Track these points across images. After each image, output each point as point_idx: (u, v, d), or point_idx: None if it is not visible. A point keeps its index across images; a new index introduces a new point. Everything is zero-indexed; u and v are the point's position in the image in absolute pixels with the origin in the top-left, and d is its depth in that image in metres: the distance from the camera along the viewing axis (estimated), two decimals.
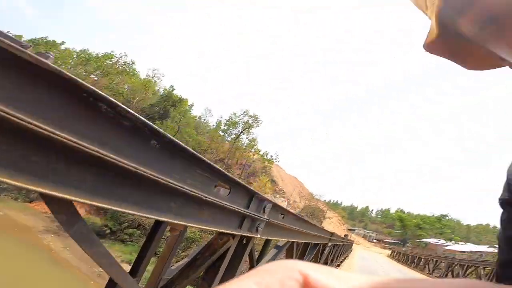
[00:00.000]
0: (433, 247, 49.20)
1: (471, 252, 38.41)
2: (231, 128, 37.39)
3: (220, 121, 38.54)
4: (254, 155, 37.61)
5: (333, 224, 50.36)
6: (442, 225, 65.77)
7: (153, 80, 39.46)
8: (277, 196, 33.69)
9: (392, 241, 66.68)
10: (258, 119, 36.80)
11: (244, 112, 37.57)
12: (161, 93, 37.40)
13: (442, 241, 53.90)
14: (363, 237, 70.11)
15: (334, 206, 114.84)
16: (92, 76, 35.25)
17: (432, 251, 42.22)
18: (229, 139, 37.36)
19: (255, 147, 37.77)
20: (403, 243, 60.76)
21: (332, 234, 6.48)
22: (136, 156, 0.70)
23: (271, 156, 37.52)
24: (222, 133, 37.66)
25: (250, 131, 37.06)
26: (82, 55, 38.35)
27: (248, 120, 36.88)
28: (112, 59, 38.85)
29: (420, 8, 0.36)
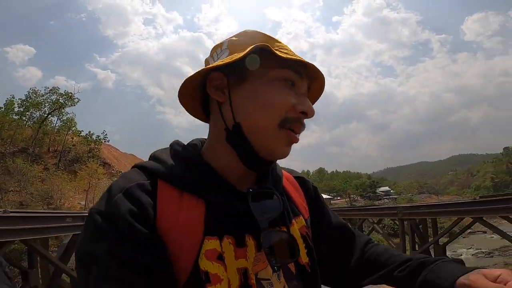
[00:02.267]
0: None
1: None
2: (31, 110, 28.44)
3: (12, 101, 28.28)
4: (73, 138, 30.74)
5: None
6: None
7: None
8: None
9: None
10: (73, 97, 29.75)
11: (51, 90, 29.36)
12: None
13: None
14: None
15: None
16: None
17: None
18: (30, 123, 28.47)
19: (73, 128, 30.82)
20: None
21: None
22: None
23: (98, 136, 31.91)
24: (17, 117, 28.06)
25: (63, 111, 29.67)
26: None
27: (58, 99, 29.21)
28: None
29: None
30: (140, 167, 0.52)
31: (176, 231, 0.45)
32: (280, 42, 0.54)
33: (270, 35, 0.55)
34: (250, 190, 0.51)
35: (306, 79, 0.54)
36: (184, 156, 0.53)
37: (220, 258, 0.46)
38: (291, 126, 0.51)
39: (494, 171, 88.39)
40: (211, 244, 0.46)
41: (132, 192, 0.46)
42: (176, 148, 0.55)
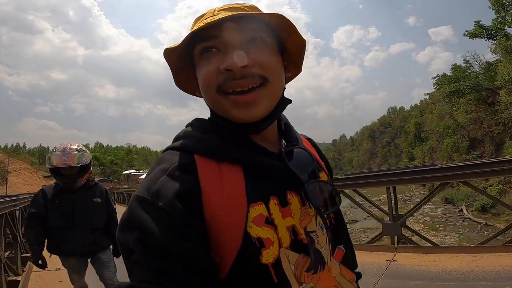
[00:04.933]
0: (135, 177, 55.45)
1: None
2: None
3: None
4: None
5: (24, 177, 40.41)
6: (130, 158, 73.69)
7: None
8: None
9: (100, 178, 64.46)
10: None
11: None
12: None
13: (142, 171, 61.44)
14: None
15: (17, 152, 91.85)
16: None
17: (135, 182, 48.76)
18: None
19: None
20: (111, 179, 61.43)
21: None
22: None
23: None
24: None
25: None
26: None
27: None
28: None
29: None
30: (174, 147, 0.52)
31: (222, 206, 0.45)
32: (202, 16, 0.55)
33: (202, 14, 0.56)
34: (282, 149, 0.55)
35: (232, 32, 0.50)
36: (215, 129, 0.54)
37: (267, 221, 0.47)
38: (228, 89, 0.50)
39: None
40: (256, 210, 0.47)
41: (175, 173, 0.46)
42: (202, 124, 0.56)
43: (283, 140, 0.61)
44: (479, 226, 15.39)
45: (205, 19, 0.52)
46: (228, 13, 0.50)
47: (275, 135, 0.60)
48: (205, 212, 0.45)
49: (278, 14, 0.51)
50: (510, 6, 23.85)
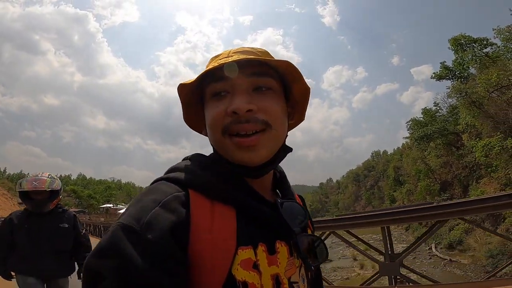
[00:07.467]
0: (113, 211, 54.90)
1: None
2: None
3: None
4: None
5: None
6: (109, 194, 74.09)
7: None
8: None
9: (77, 210, 63.44)
10: None
11: None
12: None
13: (120, 206, 61.54)
14: None
15: None
16: None
17: (114, 215, 47.44)
18: None
19: None
20: (87, 212, 60.67)
21: None
22: None
23: None
24: None
25: None
26: None
27: None
28: None
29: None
30: (169, 179, 0.51)
31: (209, 244, 0.44)
32: (217, 56, 0.57)
33: (214, 55, 0.58)
34: (279, 200, 0.55)
35: (241, 76, 0.52)
36: (214, 167, 0.54)
37: (255, 266, 0.47)
38: (233, 131, 0.51)
39: (312, 200, 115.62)
40: (245, 253, 0.47)
41: (169, 206, 0.45)
42: (201, 160, 0.56)
43: (277, 190, 0.63)
44: (442, 262, 15.69)
45: (220, 60, 0.54)
46: (242, 56, 0.52)
47: (270, 183, 0.61)
48: (190, 249, 0.44)
49: (287, 61, 0.53)
50: (467, 45, 23.24)
